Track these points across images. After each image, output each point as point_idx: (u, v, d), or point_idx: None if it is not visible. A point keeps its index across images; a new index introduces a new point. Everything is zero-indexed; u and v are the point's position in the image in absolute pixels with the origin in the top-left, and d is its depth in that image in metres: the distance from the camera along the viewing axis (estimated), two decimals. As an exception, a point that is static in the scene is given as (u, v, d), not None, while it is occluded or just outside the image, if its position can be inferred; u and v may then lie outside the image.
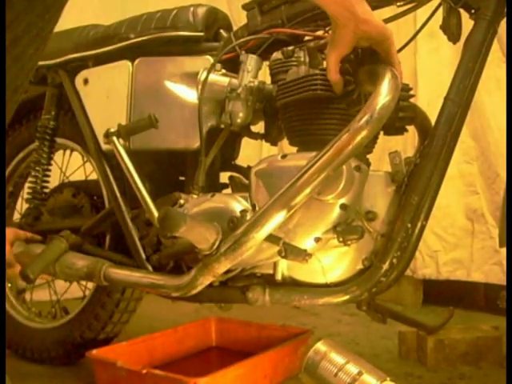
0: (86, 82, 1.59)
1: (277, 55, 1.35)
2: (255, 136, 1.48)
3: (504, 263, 2.19)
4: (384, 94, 1.05)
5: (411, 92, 1.34)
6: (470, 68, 1.18)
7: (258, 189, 1.23)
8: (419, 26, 1.38)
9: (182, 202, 1.34)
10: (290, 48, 1.31)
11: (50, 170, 1.73)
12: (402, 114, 1.29)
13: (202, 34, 1.46)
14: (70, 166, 1.85)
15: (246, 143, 1.59)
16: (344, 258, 1.22)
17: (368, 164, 1.25)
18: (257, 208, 1.22)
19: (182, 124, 1.42)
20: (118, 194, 1.50)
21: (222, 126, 1.35)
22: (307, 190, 1.07)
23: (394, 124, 1.28)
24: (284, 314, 2.26)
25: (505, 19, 1.21)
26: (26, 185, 1.82)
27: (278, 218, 1.09)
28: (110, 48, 1.55)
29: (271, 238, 1.14)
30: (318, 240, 1.17)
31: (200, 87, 1.33)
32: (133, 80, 1.49)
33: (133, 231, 1.45)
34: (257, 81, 1.33)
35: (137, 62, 1.49)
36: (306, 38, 1.35)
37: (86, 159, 1.73)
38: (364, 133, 1.04)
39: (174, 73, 1.44)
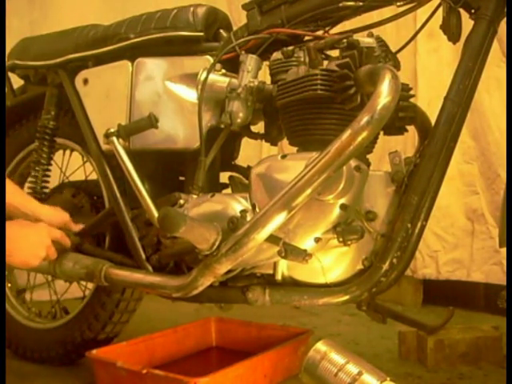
0: (85, 82, 1.59)
1: (277, 55, 1.34)
2: (255, 136, 1.48)
3: (504, 263, 2.19)
4: (384, 95, 1.05)
5: (411, 92, 1.34)
6: (469, 68, 1.18)
7: (258, 189, 1.23)
8: (419, 26, 1.38)
9: (181, 202, 1.34)
10: (290, 48, 1.31)
11: (49, 170, 1.73)
12: (402, 114, 1.29)
13: (201, 34, 1.46)
14: (70, 166, 1.85)
15: (246, 143, 1.59)
16: (344, 258, 1.22)
17: (368, 164, 1.25)
18: (257, 208, 1.22)
19: (182, 124, 1.42)
20: (118, 194, 1.50)
21: (222, 125, 1.35)
22: (308, 191, 1.07)
23: (394, 124, 1.28)
24: (284, 313, 2.26)
25: (505, 19, 1.21)
26: (26, 185, 1.82)
27: (279, 218, 1.09)
28: (110, 48, 1.55)
29: (271, 239, 1.14)
30: (318, 240, 1.17)
31: (200, 87, 1.33)
32: (133, 80, 1.49)
33: (133, 231, 1.45)
34: (257, 81, 1.33)
35: (137, 62, 1.49)
36: (306, 38, 1.35)
37: (85, 159, 1.73)
38: (365, 133, 1.04)
39: (174, 73, 1.44)
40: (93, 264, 1.41)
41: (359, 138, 1.04)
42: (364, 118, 1.04)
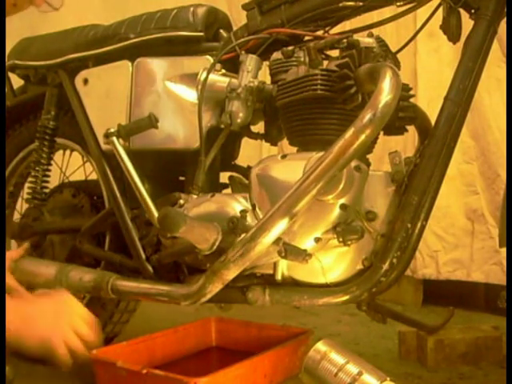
0: (85, 82, 1.59)
1: (277, 55, 1.35)
2: (255, 136, 1.48)
3: (504, 263, 2.19)
4: (386, 92, 1.05)
5: (411, 92, 1.34)
6: (469, 68, 1.19)
7: (258, 189, 1.23)
8: (419, 25, 1.38)
9: (181, 202, 1.34)
10: (290, 48, 1.31)
11: (49, 170, 1.73)
12: (402, 114, 1.29)
13: (201, 34, 1.46)
14: (70, 166, 1.85)
15: (246, 143, 1.59)
16: (344, 258, 1.22)
17: (368, 164, 1.25)
18: (257, 208, 1.22)
19: (182, 124, 1.42)
20: (118, 194, 1.50)
21: (222, 126, 1.35)
22: (314, 192, 1.07)
23: (394, 124, 1.29)
24: (284, 314, 2.26)
25: (505, 19, 1.21)
26: (26, 185, 1.82)
27: (286, 220, 1.09)
28: (110, 48, 1.55)
29: (271, 239, 1.13)
30: (318, 240, 1.17)
31: (200, 87, 1.33)
32: (133, 80, 1.49)
33: (133, 231, 1.45)
34: (257, 81, 1.33)
35: (137, 62, 1.49)
36: (306, 38, 1.35)
37: (85, 159, 1.73)
38: (368, 131, 1.04)
39: (174, 73, 1.44)
40: (99, 276, 1.39)
41: (363, 136, 1.04)
42: (367, 116, 1.04)
